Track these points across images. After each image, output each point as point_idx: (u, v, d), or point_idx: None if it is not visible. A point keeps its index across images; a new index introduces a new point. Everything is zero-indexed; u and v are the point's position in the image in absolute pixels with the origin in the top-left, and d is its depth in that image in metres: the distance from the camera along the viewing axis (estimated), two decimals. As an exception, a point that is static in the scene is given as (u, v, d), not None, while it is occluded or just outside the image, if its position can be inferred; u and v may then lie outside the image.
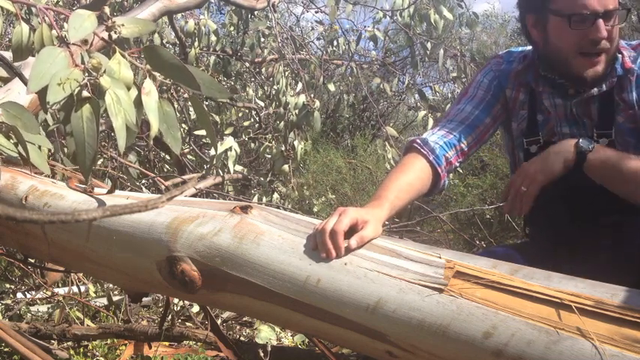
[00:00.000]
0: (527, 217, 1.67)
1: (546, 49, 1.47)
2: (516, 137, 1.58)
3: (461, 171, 4.62)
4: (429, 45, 3.89)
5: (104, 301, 2.70)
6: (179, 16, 3.99)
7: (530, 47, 1.58)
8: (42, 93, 1.06)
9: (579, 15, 1.37)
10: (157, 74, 1.16)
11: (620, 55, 1.45)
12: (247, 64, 4.51)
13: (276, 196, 3.80)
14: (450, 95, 5.74)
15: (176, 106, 3.75)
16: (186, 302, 2.52)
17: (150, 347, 2.10)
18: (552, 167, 1.39)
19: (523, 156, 1.56)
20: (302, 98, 3.41)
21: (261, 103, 4.30)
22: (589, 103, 1.47)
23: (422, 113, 3.91)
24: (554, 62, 1.47)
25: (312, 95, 3.51)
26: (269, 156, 3.78)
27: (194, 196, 2.71)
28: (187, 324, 2.54)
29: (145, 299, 2.75)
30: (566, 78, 1.46)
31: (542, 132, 1.53)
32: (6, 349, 2.06)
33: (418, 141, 1.47)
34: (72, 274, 2.43)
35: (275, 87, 3.82)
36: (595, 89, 1.45)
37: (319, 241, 1.14)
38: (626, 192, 1.36)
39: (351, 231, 1.16)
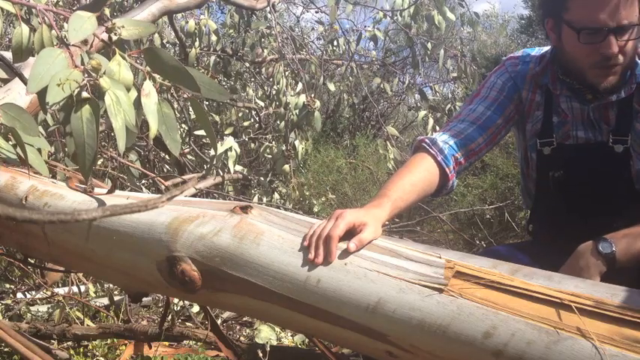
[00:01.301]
0: (531, 214, 1.67)
1: (561, 55, 1.46)
2: (530, 138, 1.57)
3: (463, 170, 4.61)
4: (429, 45, 3.89)
5: (104, 301, 2.70)
6: (179, 15, 3.99)
7: (546, 48, 1.57)
8: (41, 94, 1.06)
9: (590, 29, 1.33)
10: (156, 76, 1.16)
11: None
12: (247, 64, 4.51)
13: (276, 196, 3.80)
14: (450, 95, 5.74)
15: (176, 105, 3.75)
16: (186, 302, 2.53)
17: (150, 347, 2.10)
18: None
19: (536, 157, 1.56)
20: (302, 98, 3.41)
21: (261, 103, 4.30)
22: (607, 109, 1.46)
23: (422, 113, 3.91)
24: (569, 69, 1.46)
25: (313, 95, 3.51)
26: (269, 156, 3.79)
27: (194, 196, 2.71)
28: (187, 324, 2.54)
29: (145, 299, 2.76)
30: (581, 85, 1.45)
31: (556, 134, 1.51)
32: (6, 349, 2.07)
33: (427, 140, 1.46)
34: (72, 274, 2.43)
35: (275, 87, 3.82)
36: (614, 95, 1.44)
37: (313, 245, 1.13)
38: None
39: (350, 233, 1.15)
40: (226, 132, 3.95)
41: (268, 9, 3.61)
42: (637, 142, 1.45)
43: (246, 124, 4.29)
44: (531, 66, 1.54)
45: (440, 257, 1.11)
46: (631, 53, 1.39)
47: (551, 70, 1.52)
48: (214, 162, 3.33)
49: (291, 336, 2.52)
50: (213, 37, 4.02)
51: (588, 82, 1.41)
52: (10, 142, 1.26)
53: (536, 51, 1.59)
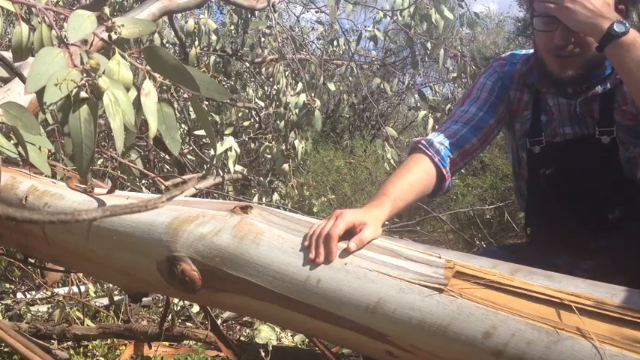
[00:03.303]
0: (526, 215, 1.67)
1: (534, 47, 1.50)
2: (519, 138, 1.58)
3: (463, 171, 4.61)
4: (429, 45, 3.89)
5: (104, 301, 2.70)
6: (179, 15, 3.98)
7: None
8: (40, 94, 1.06)
9: (541, 18, 1.38)
10: (156, 75, 1.15)
11: None
12: (247, 64, 4.51)
13: (276, 196, 3.80)
14: (450, 95, 5.74)
15: (176, 105, 3.75)
16: (186, 302, 2.53)
17: (150, 347, 2.10)
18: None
19: (526, 156, 1.57)
20: (302, 97, 3.40)
21: (261, 103, 4.29)
22: (592, 102, 1.47)
23: (422, 113, 3.90)
24: (539, 61, 1.48)
25: (313, 95, 3.51)
26: (269, 156, 3.78)
27: (194, 196, 2.71)
28: (187, 324, 2.54)
29: (145, 299, 2.75)
30: (548, 77, 1.47)
31: (545, 132, 1.53)
32: (6, 349, 2.07)
33: (423, 142, 1.47)
34: (72, 274, 2.43)
35: (275, 87, 3.82)
36: (599, 87, 1.45)
37: (313, 244, 1.14)
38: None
39: (350, 233, 1.15)
40: (226, 132, 3.94)
41: (268, 9, 3.61)
42: (620, 130, 1.45)
43: (246, 124, 4.29)
44: (518, 66, 1.57)
45: (440, 257, 1.11)
46: (593, 45, 1.36)
47: (537, 69, 1.53)
48: (214, 162, 3.33)
49: (291, 336, 2.52)
50: (213, 37, 4.02)
51: (550, 73, 1.44)
52: (11, 141, 1.26)
53: (523, 52, 1.61)
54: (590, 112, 1.48)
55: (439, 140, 1.48)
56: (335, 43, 4.80)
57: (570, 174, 1.50)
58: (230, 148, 3.18)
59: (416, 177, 1.40)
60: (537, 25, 1.40)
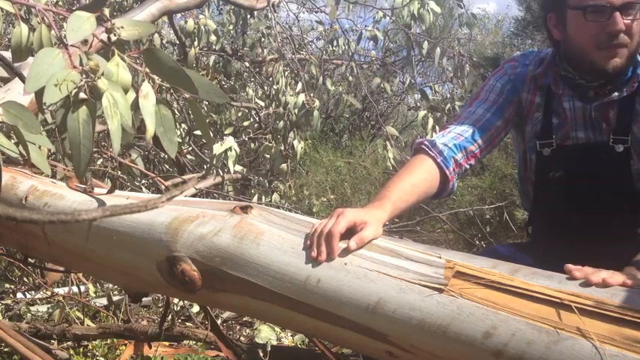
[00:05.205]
0: (530, 216, 1.67)
1: (566, 46, 1.47)
2: (529, 139, 1.57)
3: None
4: (425, 45, 3.88)
5: (104, 301, 2.70)
6: (178, 15, 3.98)
7: (546, 50, 1.57)
8: (39, 94, 1.06)
9: (594, 7, 1.35)
10: (155, 77, 1.16)
11: None
12: (247, 64, 4.51)
13: (276, 196, 3.80)
14: (448, 95, 5.74)
15: (175, 105, 3.75)
16: (186, 302, 2.53)
17: (150, 347, 2.10)
18: None
19: (535, 158, 1.56)
20: (302, 97, 3.40)
21: (261, 103, 4.29)
22: (608, 108, 1.46)
23: (422, 113, 3.90)
24: (574, 59, 1.46)
25: (312, 95, 3.51)
26: (268, 156, 3.78)
27: (194, 196, 2.71)
28: (187, 324, 2.54)
29: (145, 299, 2.76)
30: (587, 73, 1.45)
31: (556, 135, 1.51)
32: (6, 349, 2.07)
33: (426, 142, 1.46)
34: (72, 274, 2.43)
35: (275, 87, 3.82)
36: (616, 93, 1.44)
37: (315, 242, 1.13)
38: None
39: (351, 232, 1.15)
40: (226, 132, 3.94)
41: (268, 9, 3.61)
42: (636, 143, 1.45)
43: (246, 123, 4.29)
44: (530, 68, 1.55)
45: (440, 257, 1.11)
46: (637, 36, 1.38)
47: (552, 71, 1.52)
48: (214, 162, 3.33)
49: (291, 336, 2.52)
50: (213, 37, 4.02)
51: (596, 66, 1.41)
52: (12, 141, 1.26)
53: (535, 54, 1.60)
54: (605, 118, 1.47)
55: (443, 141, 1.46)
56: (335, 42, 4.80)
57: (580, 178, 1.49)
58: (230, 148, 3.18)
59: (418, 178, 1.38)
60: (589, 17, 1.36)
